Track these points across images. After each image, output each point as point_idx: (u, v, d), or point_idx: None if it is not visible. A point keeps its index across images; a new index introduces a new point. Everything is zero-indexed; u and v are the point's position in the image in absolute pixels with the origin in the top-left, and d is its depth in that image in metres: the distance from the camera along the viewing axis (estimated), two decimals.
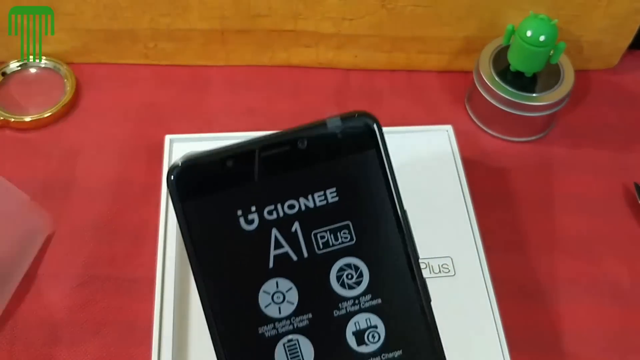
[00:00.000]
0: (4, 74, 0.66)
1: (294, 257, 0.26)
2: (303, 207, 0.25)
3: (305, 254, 0.26)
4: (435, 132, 0.60)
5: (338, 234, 0.26)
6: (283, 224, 0.25)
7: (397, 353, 0.26)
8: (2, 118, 0.62)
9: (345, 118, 0.26)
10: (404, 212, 0.26)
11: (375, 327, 0.26)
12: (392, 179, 0.26)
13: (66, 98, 0.64)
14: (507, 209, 0.60)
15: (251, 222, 0.25)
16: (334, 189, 0.26)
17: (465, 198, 0.56)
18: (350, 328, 0.26)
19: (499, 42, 0.64)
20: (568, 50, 0.63)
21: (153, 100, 0.66)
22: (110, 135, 0.63)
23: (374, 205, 0.26)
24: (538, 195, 0.61)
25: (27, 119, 0.62)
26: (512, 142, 0.65)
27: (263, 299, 0.26)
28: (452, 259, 0.52)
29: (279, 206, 0.25)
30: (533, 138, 0.65)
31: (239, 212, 0.25)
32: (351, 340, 0.26)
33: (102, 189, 0.59)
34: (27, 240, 0.54)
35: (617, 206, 0.60)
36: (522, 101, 0.61)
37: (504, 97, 0.61)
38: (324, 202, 0.26)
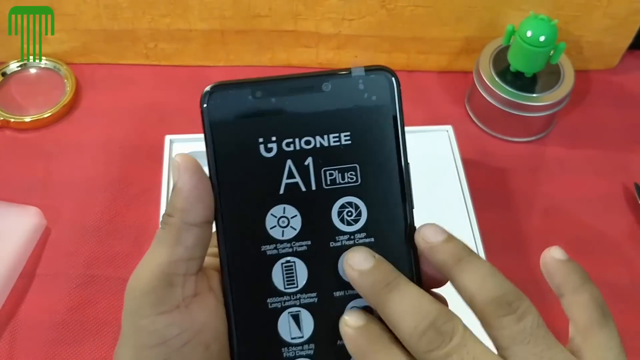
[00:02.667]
0: (4, 74, 0.66)
1: (303, 188, 0.28)
2: (318, 145, 0.28)
3: (313, 187, 0.28)
4: (435, 132, 0.60)
5: (345, 174, 0.28)
6: (298, 156, 0.28)
7: None
8: (2, 118, 0.62)
9: (368, 70, 0.28)
10: (407, 164, 0.29)
11: None
12: (401, 133, 0.28)
13: (66, 98, 0.64)
14: (507, 209, 0.60)
15: (270, 150, 0.28)
16: (348, 133, 0.28)
17: (465, 198, 0.56)
18: (343, 260, 0.28)
19: (499, 42, 0.64)
20: (568, 51, 0.63)
21: (153, 100, 0.66)
22: (110, 135, 0.63)
23: (381, 153, 0.28)
24: (538, 195, 0.61)
25: (27, 119, 0.63)
26: (512, 142, 0.65)
27: (270, 221, 0.28)
28: None
29: (296, 140, 0.28)
30: (533, 138, 0.65)
31: (260, 140, 0.28)
32: (342, 270, 0.28)
33: (102, 189, 0.59)
34: (22, 238, 0.54)
35: (617, 206, 0.60)
36: (522, 101, 0.61)
37: (504, 97, 0.61)
38: (338, 143, 0.28)
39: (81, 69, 0.67)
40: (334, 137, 0.28)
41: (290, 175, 0.28)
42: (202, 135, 0.58)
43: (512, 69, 0.62)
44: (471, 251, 0.27)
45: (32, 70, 0.67)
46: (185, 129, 0.61)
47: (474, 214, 0.54)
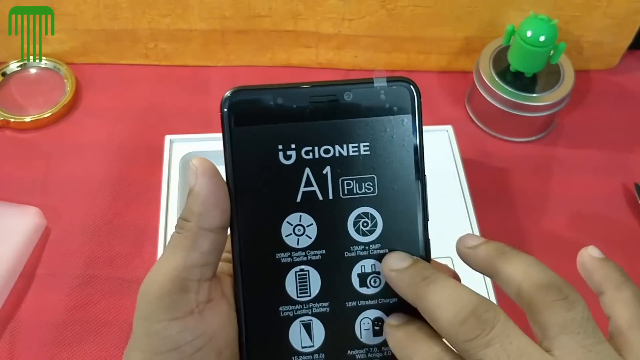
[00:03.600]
0: (4, 74, 0.66)
1: (320, 197, 0.28)
2: (337, 154, 0.28)
3: (331, 196, 0.28)
4: (435, 132, 0.60)
5: (363, 184, 0.28)
6: (316, 165, 0.28)
7: (393, 300, 0.28)
8: (2, 118, 0.62)
9: (391, 80, 0.28)
10: (424, 177, 0.29)
11: (379, 273, 0.28)
12: (420, 146, 0.28)
13: (66, 98, 0.64)
14: (507, 209, 0.60)
15: (289, 158, 0.28)
16: (367, 143, 0.28)
17: (465, 198, 0.56)
18: (356, 270, 0.28)
19: (499, 42, 0.64)
20: (568, 51, 0.63)
21: (153, 100, 0.66)
22: (110, 135, 0.63)
23: (400, 165, 0.28)
24: (538, 195, 0.61)
25: (27, 119, 0.63)
26: (512, 142, 0.65)
27: (285, 229, 0.28)
28: (452, 259, 0.52)
29: (315, 149, 0.28)
30: (533, 138, 0.65)
31: (280, 147, 0.27)
32: (355, 281, 0.28)
33: (102, 189, 0.59)
34: (22, 238, 0.54)
35: (617, 206, 0.60)
36: (522, 101, 0.61)
37: (504, 97, 0.61)
38: (357, 153, 0.28)
39: (81, 69, 0.67)
40: (353, 147, 0.28)
41: (308, 183, 0.28)
42: (201, 135, 0.58)
43: (512, 69, 0.62)
44: (512, 247, 0.27)
45: (32, 70, 0.67)
46: (185, 129, 0.61)
47: (474, 214, 0.54)
